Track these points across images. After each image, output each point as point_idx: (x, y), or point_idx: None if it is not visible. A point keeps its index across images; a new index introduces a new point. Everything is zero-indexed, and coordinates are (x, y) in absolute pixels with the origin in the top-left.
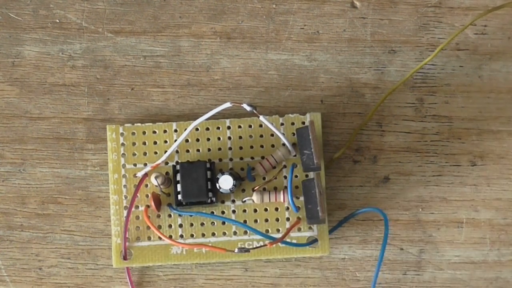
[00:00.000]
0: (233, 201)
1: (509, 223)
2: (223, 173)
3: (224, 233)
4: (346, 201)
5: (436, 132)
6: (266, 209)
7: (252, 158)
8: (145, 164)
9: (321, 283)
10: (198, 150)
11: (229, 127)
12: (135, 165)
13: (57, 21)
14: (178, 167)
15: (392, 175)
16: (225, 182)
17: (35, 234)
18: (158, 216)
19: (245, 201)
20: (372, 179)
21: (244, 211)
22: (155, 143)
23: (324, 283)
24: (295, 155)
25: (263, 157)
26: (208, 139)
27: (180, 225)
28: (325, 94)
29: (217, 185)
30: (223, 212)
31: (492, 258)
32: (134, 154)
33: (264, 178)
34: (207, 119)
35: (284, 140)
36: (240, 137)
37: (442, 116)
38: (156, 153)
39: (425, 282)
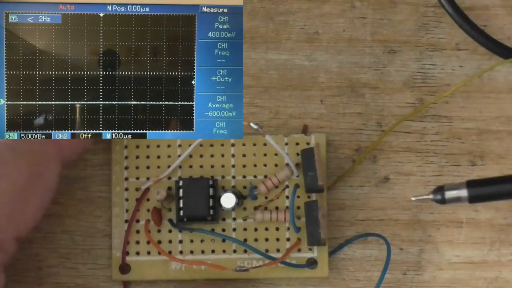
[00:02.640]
0: (234, 219)
1: (509, 223)
2: (225, 191)
3: (224, 251)
4: (346, 201)
5: (436, 132)
6: (266, 229)
7: (255, 176)
8: (148, 178)
9: (321, 283)
10: (201, 166)
11: (233, 145)
12: (137, 178)
13: None
14: (180, 182)
15: (392, 175)
16: (227, 201)
17: (35, 234)
18: (159, 231)
19: (246, 219)
20: (372, 179)
21: (245, 229)
22: (158, 157)
23: (324, 283)
24: (298, 176)
25: (266, 176)
26: (212, 156)
27: (180, 241)
28: (325, 94)
29: (219, 202)
30: (223, 230)
31: (492, 258)
32: (137, 168)
33: (266, 197)
34: None
35: (288, 160)
36: (244, 155)
37: (442, 116)
38: (159, 167)
39: (425, 282)
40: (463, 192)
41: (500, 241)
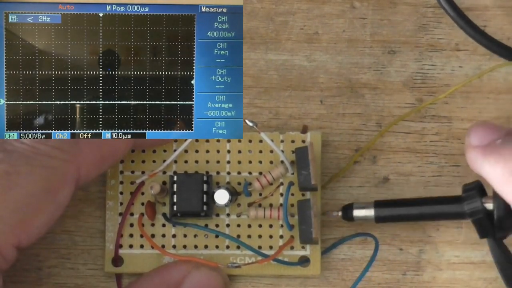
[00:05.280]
0: (228, 215)
1: None
2: (219, 187)
3: (217, 246)
4: (346, 201)
5: (435, 132)
6: (260, 225)
7: (250, 173)
8: (143, 172)
9: (321, 283)
10: (196, 162)
11: (229, 141)
12: (132, 172)
13: None
14: (175, 177)
15: (391, 175)
16: (221, 197)
17: None
18: (152, 225)
19: (240, 216)
20: (372, 179)
21: (238, 225)
22: (154, 151)
23: (324, 283)
24: (292, 173)
25: (260, 173)
26: (207, 151)
27: (174, 235)
28: (325, 94)
29: (213, 198)
30: (217, 226)
31: (491, 259)
32: (132, 161)
33: (260, 194)
34: None
35: (283, 157)
36: (239, 151)
37: (441, 116)
38: (154, 161)
39: (424, 282)
40: (370, 212)
41: None
